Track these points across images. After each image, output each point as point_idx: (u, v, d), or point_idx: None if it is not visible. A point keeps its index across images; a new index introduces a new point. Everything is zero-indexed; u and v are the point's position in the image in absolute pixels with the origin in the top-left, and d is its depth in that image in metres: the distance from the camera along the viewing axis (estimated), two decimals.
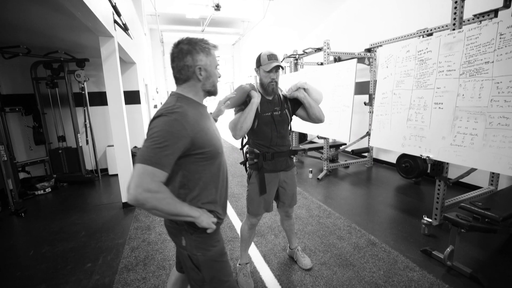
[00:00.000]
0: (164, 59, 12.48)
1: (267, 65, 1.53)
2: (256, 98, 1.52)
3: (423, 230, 2.42)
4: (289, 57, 5.09)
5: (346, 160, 4.91)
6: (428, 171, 3.81)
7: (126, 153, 3.20)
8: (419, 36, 3.47)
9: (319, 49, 4.30)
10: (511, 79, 1.82)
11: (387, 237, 2.41)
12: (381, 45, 4.17)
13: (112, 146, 4.52)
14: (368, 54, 4.37)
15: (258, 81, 1.65)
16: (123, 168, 3.19)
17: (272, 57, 1.54)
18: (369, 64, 4.53)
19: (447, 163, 2.43)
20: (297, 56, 5.00)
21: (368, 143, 4.76)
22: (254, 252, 2.21)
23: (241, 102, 1.55)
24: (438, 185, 2.51)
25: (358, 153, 4.76)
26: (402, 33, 3.70)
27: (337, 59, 4.80)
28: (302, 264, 1.98)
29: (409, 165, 3.78)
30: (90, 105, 4.45)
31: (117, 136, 3.12)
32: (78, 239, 2.57)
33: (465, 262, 1.96)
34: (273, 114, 1.62)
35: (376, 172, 4.56)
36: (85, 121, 4.44)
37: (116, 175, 4.36)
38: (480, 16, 2.68)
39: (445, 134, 2.24)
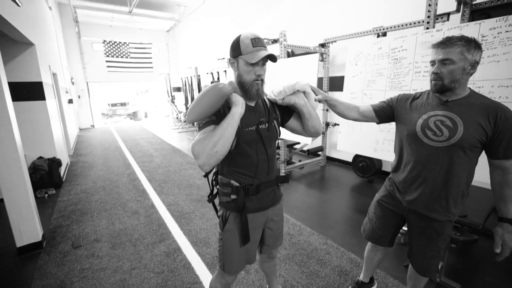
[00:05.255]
0: (80, 42, 10.28)
1: (252, 54, 0.99)
2: (241, 106, 0.98)
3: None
4: None
5: (300, 160, 4.73)
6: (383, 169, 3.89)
7: (17, 169, 2.18)
8: (374, 34, 3.40)
9: (275, 41, 3.90)
10: (493, 84, 1.74)
11: None
12: (335, 41, 4.04)
13: None
14: (322, 49, 4.19)
15: (235, 78, 1.10)
16: (12, 191, 2.17)
17: (258, 42, 1.01)
18: (322, 60, 4.37)
19: None
20: None
21: (322, 142, 4.68)
22: None
23: (214, 110, 0.98)
24: None
25: (313, 152, 4.63)
26: (358, 30, 3.59)
27: (290, 54, 4.50)
28: None
29: (365, 164, 3.77)
30: None
31: None
32: None
33: (450, 275, 1.86)
34: (259, 128, 1.10)
35: (330, 170, 4.50)
36: None
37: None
38: (439, 17, 2.69)
39: None
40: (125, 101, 13.91)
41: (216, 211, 1.25)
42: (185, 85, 9.77)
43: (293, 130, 1.25)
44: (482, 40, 1.78)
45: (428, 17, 2.16)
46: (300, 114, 1.17)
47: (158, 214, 2.93)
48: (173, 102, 11.13)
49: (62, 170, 4.21)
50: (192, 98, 9.26)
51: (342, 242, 2.35)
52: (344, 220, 2.78)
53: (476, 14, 2.69)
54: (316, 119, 1.18)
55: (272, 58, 1.01)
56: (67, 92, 7.28)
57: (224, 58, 6.40)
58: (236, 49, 1.03)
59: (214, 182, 1.24)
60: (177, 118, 11.49)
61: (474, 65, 1.06)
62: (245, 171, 1.11)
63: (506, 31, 1.67)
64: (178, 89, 11.48)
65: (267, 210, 1.20)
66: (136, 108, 14.07)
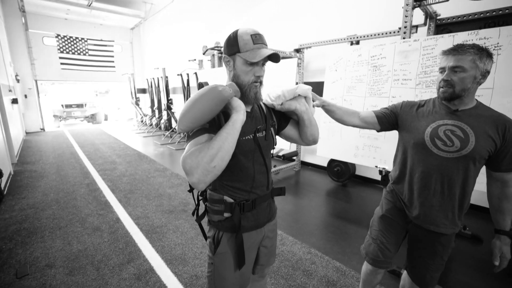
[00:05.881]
0: (27, 34, 9.15)
1: (253, 52, 0.87)
2: (242, 113, 0.84)
3: None
4: (212, 49, 4.38)
5: (275, 166, 4.68)
6: (355, 173, 3.99)
7: None
8: (348, 42, 3.50)
9: None
10: None
11: (351, 259, 2.17)
12: (310, 47, 4.09)
13: None
14: (297, 54, 4.21)
15: (229, 78, 0.96)
16: None
17: (259, 38, 0.89)
18: (297, 66, 4.39)
19: None
20: (221, 49, 4.36)
21: (296, 146, 4.69)
22: None
23: (210, 117, 0.83)
24: None
25: (288, 157, 4.61)
26: (332, 37, 3.67)
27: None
28: None
29: (340, 169, 3.84)
30: None
31: None
32: None
33: None
34: (257, 137, 0.98)
35: (305, 175, 4.52)
36: None
37: None
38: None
39: None
40: (82, 102, 12.69)
41: (203, 232, 1.09)
42: (151, 86, 9.23)
43: (288, 138, 1.15)
44: None
45: (405, 27, 2.24)
46: (300, 121, 1.07)
47: (125, 229, 2.61)
48: (137, 104, 10.43)
49: (3, 181, 3.60)
50: (159, 101, 8.76)
51: (325, 250, 2.30)
52: (324, 226, 2.75)
53: (440, 28, 2.92)
54: (315, 126, 1.09)
55: (275, 57, 0.90)
56: (10, 90, 6.36)
57: (195, 60, 6.13)
58: (233, 45, 0.89)
59: (200, 198, 1.07)
60: (142, 121, 10.79)
61: (485, 74, 1.03)
62: (241, 185, 0.97)
63: None
64: (143, 91, 10.80)
65: (263, 227, 1.07)
66: (95, 110, 12.91)
